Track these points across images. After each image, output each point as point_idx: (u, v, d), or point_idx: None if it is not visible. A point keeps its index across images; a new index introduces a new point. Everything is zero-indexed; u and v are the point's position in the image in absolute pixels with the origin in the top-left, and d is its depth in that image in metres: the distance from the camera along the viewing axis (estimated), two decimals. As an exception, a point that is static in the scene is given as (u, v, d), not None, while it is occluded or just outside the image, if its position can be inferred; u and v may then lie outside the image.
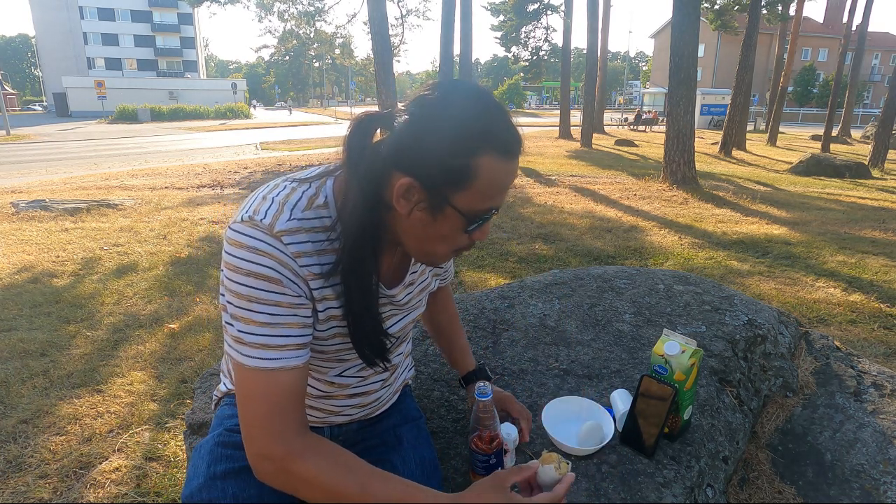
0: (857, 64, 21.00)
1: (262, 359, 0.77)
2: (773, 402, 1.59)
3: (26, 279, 4.01)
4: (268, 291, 0.77)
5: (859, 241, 5.49)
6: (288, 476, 0.78)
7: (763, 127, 26.73)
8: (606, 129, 25.23)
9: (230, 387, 1.07)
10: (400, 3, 24.54)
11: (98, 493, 1.84)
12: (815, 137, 23.09)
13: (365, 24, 28.09)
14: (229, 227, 0.79)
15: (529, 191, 8.45)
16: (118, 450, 2.07)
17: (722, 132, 16.78)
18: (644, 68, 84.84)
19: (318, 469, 0.77)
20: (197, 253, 4.77)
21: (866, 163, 12.83)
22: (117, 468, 1.96)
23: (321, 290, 0.83)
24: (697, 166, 9.40)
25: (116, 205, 6.70)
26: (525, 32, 25.03)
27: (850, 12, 19.63)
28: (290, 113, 48.21)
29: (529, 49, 25.60)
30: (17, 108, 55.93)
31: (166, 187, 8.51)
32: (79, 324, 3.23)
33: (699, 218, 6.55)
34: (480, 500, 0.79)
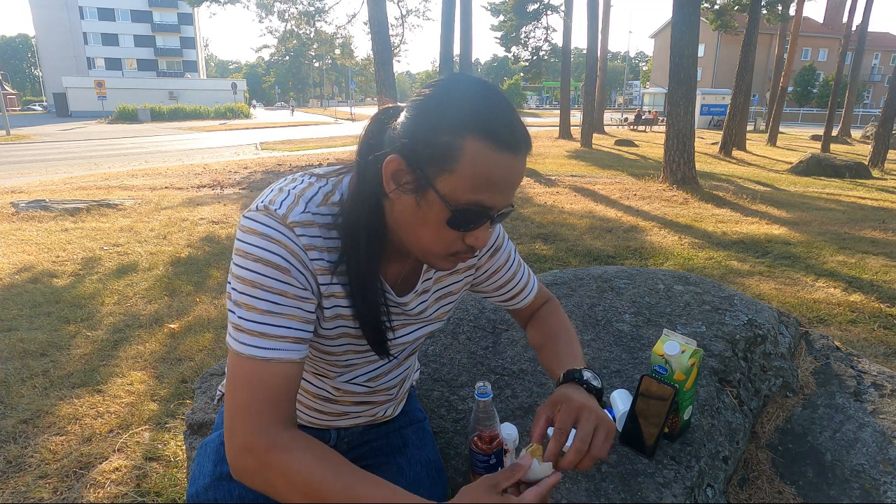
0: (857, 64, 21.00)
1: (259, 347, 0.75)
2: (773, 402, 1.59)
3: (26, 279, 4.01)
4: (273, 279, 0.75)
5: (859, 241, 5.49)
6: (268, 471, 0.72)
7: (763, 127, 26.73)
8: (606, 129, 25.24)
9: None
10: (400, 3, 24.54)
11: (98, 493, 1.84)
12: (815, 137, 23.10)
13: (365, 24, 28.08)
14: (243, 216, 0.79)
15: (529, 191, 8.45)
16: (118, 450, 2.07)
17: (722, 132, 16.78)
18: (644, 68, 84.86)
19: (300, 464, 0.71)
20: (197, 253, 4.77)
21: (866, 163, 12.84)
22: (117, 468, 1.96)
23: (329, 287, 0.82)
24: (697, 166, 9.40)
25: (116, 205, 6.70)
26: (525, 32, 25.01)
27: (850, 12, 19.64)
28: (293, 113, 48.22)
29: (529, 49, 25.59)
30: (17, 108, 55.97)
31: (166, 187, 8.51)
32: (79, 324, 3.23)
33: (699, 218, 6.55)
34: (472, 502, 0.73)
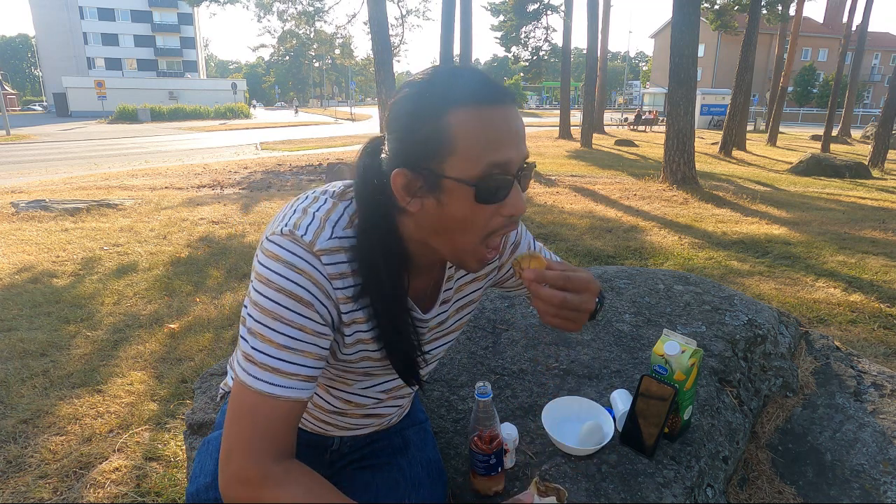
0: (857, 64, 21.02)
1: (270, 384, 0.73)
2: (773, 402, 1.59)
3: (26, 279, 4.01)
4: (295, 312, 0.73)
5: (859, 241, 5.49)
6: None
7: (763, 127, 26.73)
8: (606, 129, 25.24)
9: None
10: (400, 3, 24.58)
11: (98, 493, 1.84)
12: (815, 137, 23.10)
13: (365, 24, 28.08)
14: (266, 238, 0.76)
15: (529, 191, 8.40)
16: (118, 450, 2.07)
17: (722, 132, 16.78)
18: (644, 68, 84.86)
19: (292, 498, 0.71)
20: (197, 253, 4.77)
21: (866, 163, 12.84)
22: (117, 468, 1.96)
23: (351, 314, 0.80)
24: (697, 166, 9.40)
25: (116, 205, 6.70)
26: (525, 32, 25.00)
27: (850, 12, 19.65)
28: (296, 113, 48.13)
29: (529, 49, 25.57)
30: (17, 108, 55.97)
31: (166, 187, 8.51)
32: (79, 324, 3.23)
33: (699, 218, 6.55)
34: None
